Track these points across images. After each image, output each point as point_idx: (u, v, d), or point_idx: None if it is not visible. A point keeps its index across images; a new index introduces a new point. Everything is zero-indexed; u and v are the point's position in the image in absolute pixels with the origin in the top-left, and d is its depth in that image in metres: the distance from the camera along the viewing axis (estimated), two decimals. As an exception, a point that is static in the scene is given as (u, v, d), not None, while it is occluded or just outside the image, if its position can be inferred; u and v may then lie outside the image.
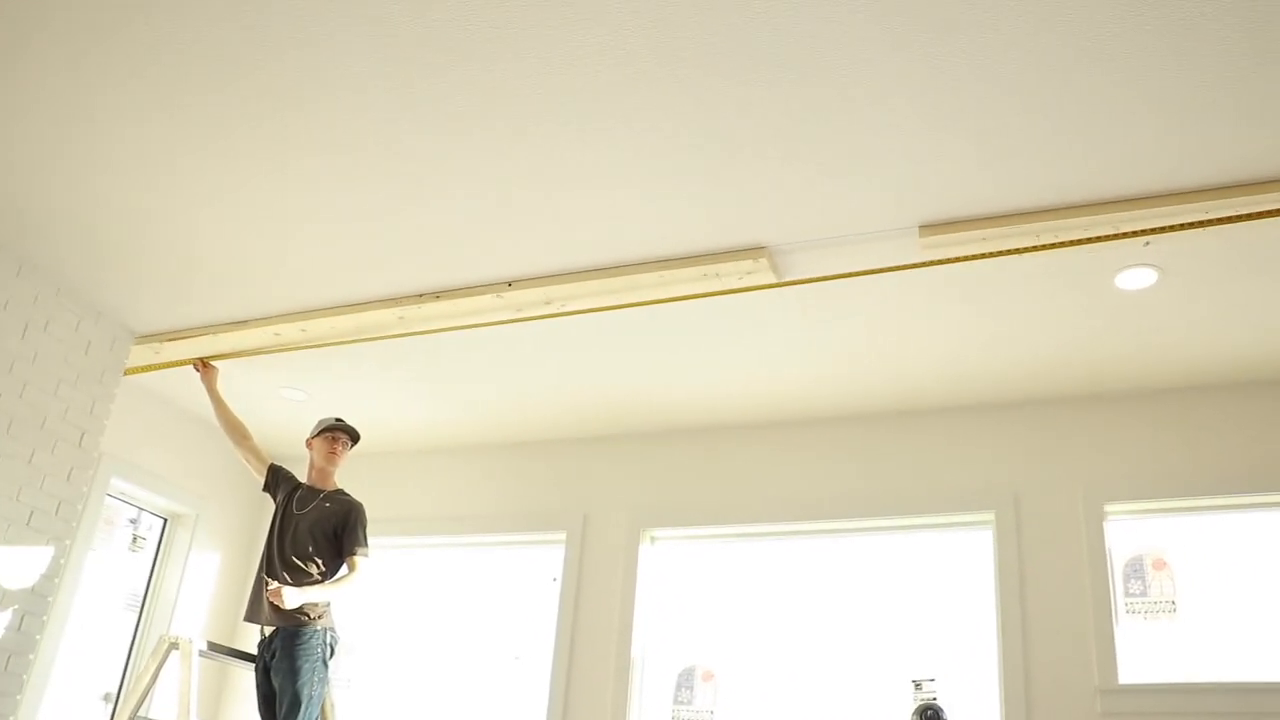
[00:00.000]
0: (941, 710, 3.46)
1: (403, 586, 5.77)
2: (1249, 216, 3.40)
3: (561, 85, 3.04)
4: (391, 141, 3.36)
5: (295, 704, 4.06)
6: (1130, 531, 4.67)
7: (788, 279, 3.89)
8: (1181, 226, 3.44)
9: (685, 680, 4.99)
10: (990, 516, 4.77)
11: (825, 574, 5.02)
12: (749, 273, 3.79)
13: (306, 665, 4.12)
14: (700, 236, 3.72)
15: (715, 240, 3.73)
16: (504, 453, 5.77)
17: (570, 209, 3.63)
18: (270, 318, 4.60)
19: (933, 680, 4.65)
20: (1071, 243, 3.52)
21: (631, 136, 3.23)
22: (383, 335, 4.57)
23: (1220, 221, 3.42)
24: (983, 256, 3.63)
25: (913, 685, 4.66)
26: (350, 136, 3.35)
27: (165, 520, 5.73)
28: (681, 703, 4.96)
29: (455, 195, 3.62)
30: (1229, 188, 3.34)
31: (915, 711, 3.55)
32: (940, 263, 3.71)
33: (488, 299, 4.20)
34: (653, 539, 5.28)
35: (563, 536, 5.38)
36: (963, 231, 3.50)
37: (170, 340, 4.82)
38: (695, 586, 5.21)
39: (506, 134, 3.27)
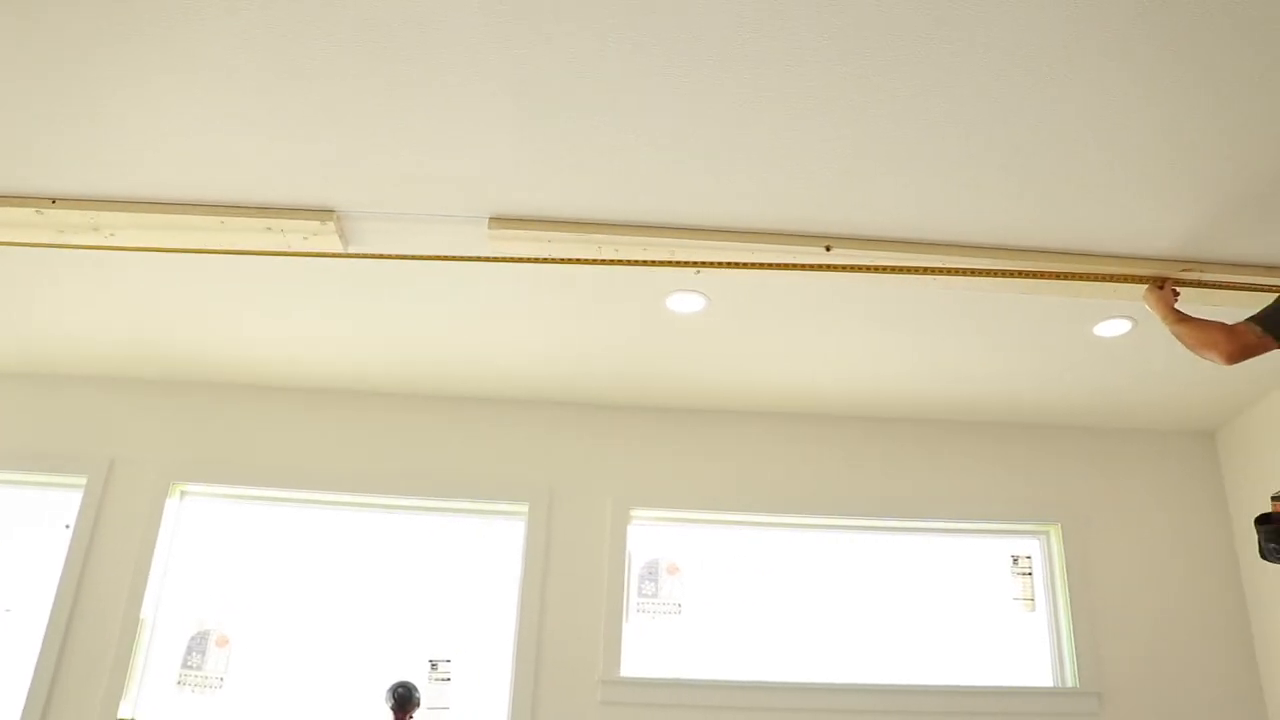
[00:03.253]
0: (414, 689, 3.53)
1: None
2: (788, 266, 3.74)
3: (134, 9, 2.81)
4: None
5: None
6: (651, 536, 5.00)
7: (355, 249, 3.82)
8: (729, 264, 3.72)
9: (198, 644, 4.77)
10: (524, 508, 4.95)
11: (362, 548, 4.98)
12: (314, 234, 3.68)
13: None
14: (267, 189, 3.55)
15: (282, 195, 3.57)
16: (23, 384, 5.20)
17: (131, 134, 3.34)
18: None
19: (449, 661, 4.75)
20: (630, 261, 3.72)
21: (203, 72, 3.02)
22: (-107, 236, 4.02)
23: (764, 266, 3.73)
24: (549, 261, 3.74)
25: (429, 664, 4.74)
26: None
27: None
28: (191, 667, 4.74)
29: (-5, 92, 3.24)
30: (773, 234, 3.67)
31: (388, 689, 3.61)
32: (511, 260, 3.79)
33: (26, 213, 3.78)
34: (182, 494, 5.00)
35: (83, 481, 4.97)
36: (529, 230, 3.59)
37: None
38: (223, 548, 4.98)
39: (67, 37, 2.96)
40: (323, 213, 3.65)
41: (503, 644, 4.78)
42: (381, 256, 3.86)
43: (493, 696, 4.69)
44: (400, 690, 3.62)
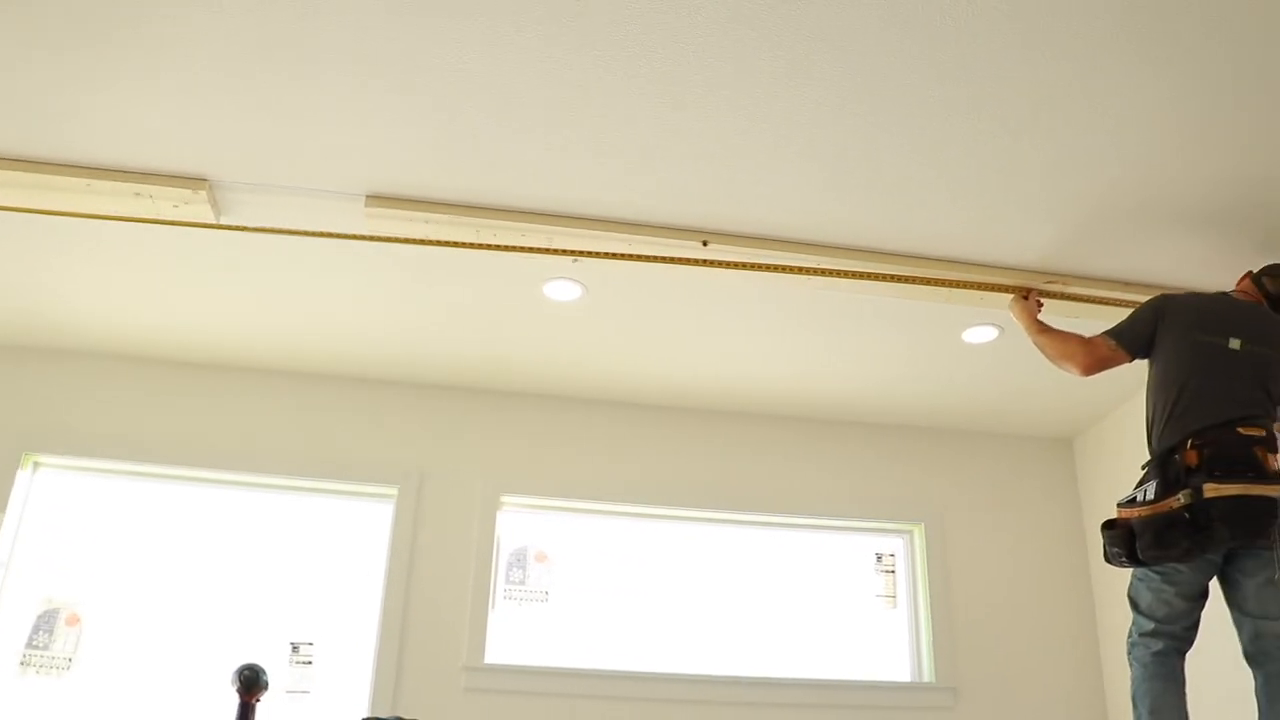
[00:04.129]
0: (261, 671, 3.45)
1: None
2: (665, 259, 3.76)
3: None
4: None
5: None
6: (521, 523, 5.00)
7: (227, 220, 3.72)
8: (606, 255, 3.73)
9: (45, 623, 4.60)
10: (393, 491, 4.89)
11: (225, 527, 4.85)
12: (186, 203, 3.57)
13: None
14: (138, 152, 3.42)
15: (154, 160, 3.45)
16: None
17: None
18: None
19: (311, 644, 4.67)
20: (508, 247, 3.70)
21: (74, 27, 2.89)
22: None
23: (640, 258, 3.75)
24: (425, 242, 3.70)
25: (291, 647, 4.66)
26: None
27: None
28: (36, 647, 4.56)
29: None
30: (651, 226, 3.69)
31: (235, 671, 3.52)
32: (387, 240, 3.73)
33: None
34: (35, 465, 4.80)
35: (-76, 451, 4.75)
36: (408, 209, 3.55)
37: None
38: (79, 523, 4.80)
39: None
40: (195, 181, 3.55)
41: (367, 628, 4.71)
42: (254, 230, 3.76)
43: (355, 681, 4.63)
44: (247, 673, 3.51)
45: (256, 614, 4.71)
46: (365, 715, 4.46)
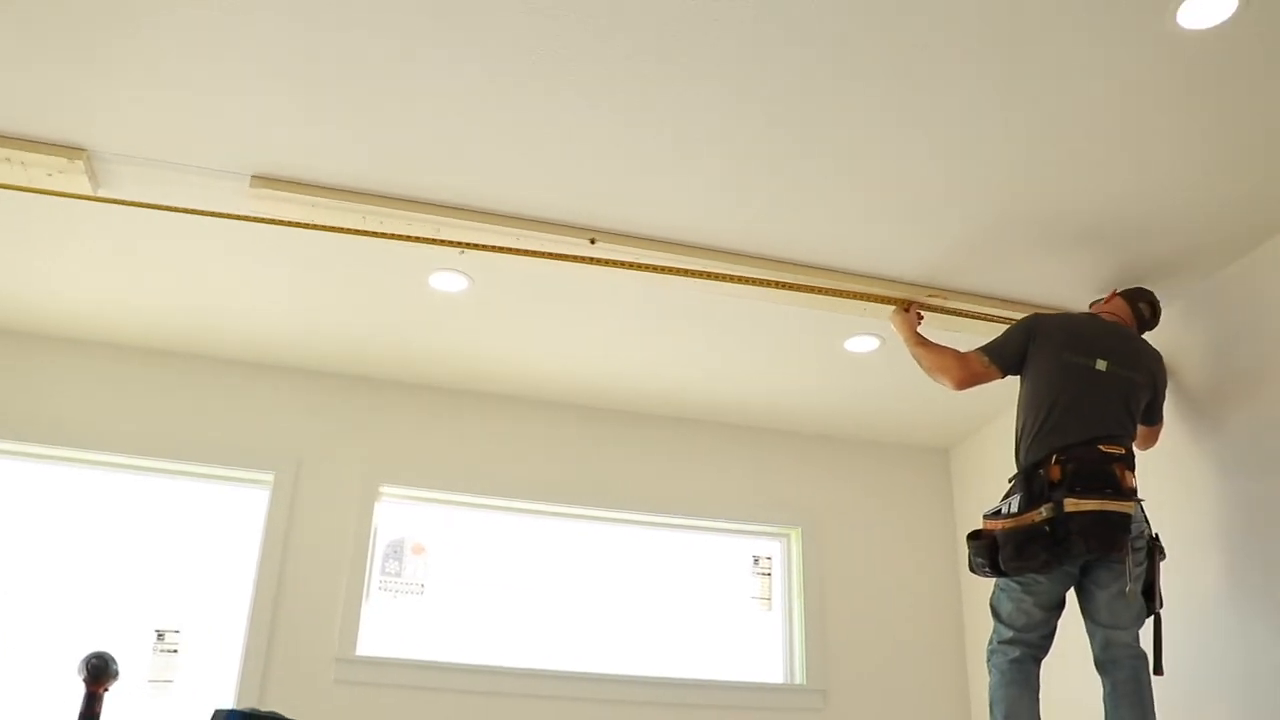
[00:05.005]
0: (110, 660, 3.33)
1: None
2: (551, 255, 3.76)
3: None
4: None
5: None
6: (399, 514, 4.95)
7: (105, 193, 3.61)
8: (493, 248, 3.71)
9: (-107, 602, 4.41)
10: (270, 477, 4.79)
11: (91, 510, 4.68)
12: (61, 171, 3.45)
13: None
14: (9, 116, 3.30)
15: (27, 125, 3.33)
16: None
17: None
18: None
19: (177, 631, 4.56)
20: (394, 235, 3.66)
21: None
22: None
23: (527, 253, 3.74)
24: (310, 226, 3.64)
25: (156, 634, 4.54)
26: None
27: None
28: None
29: None
30: (539, 221, 3.68)
31: (82, 659, 3.39)
32: (270, 221, 3.65)
33: None
34: (-114, 441, 4.60)
35: None
36: (294, 192, 3.49)
37: None
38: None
39: None
40: (72, 150, 3.44)
41: (237, 617, 4.61)
42: (132, 204, 3.64)
43: (222, 670, 4.52)
44: (95, 660, 3.35)
45: (121, 600, 4.57)
46: (229, 706, 4.34)
